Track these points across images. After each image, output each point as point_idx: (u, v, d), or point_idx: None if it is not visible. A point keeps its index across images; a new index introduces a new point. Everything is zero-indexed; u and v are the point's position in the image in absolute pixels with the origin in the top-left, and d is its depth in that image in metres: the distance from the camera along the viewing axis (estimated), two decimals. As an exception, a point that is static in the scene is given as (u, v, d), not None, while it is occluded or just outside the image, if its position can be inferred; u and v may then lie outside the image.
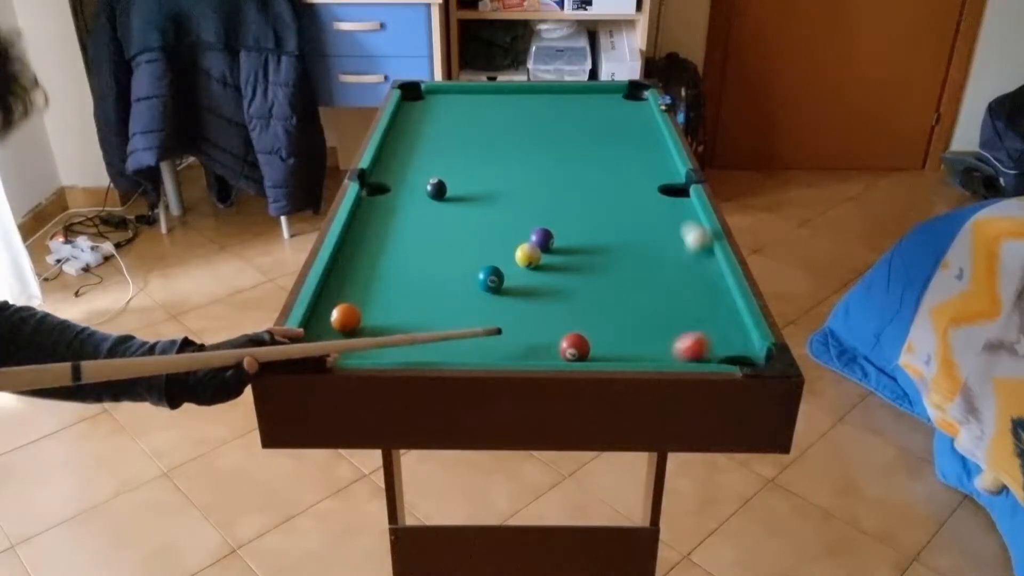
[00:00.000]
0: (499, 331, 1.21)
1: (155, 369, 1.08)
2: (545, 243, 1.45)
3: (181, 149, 3.37)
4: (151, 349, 1.12)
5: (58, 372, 0.95)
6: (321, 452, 2.34)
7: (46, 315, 1.13)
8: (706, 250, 1.44)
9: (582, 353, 1.16)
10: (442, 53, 3.27)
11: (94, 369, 0.99)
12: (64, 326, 1.12)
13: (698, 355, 1.15)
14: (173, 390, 1.13)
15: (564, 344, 1.16)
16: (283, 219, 3.51)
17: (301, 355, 1.11)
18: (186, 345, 1.12)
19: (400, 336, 1.18)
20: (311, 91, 3.29)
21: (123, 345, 1.12)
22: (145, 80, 3.14)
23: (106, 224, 3.60)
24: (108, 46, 3.17)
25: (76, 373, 0.95)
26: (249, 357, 1.07)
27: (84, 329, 1.13)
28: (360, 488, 2.24)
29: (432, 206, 1.65)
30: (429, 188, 1.66)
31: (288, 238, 3.53)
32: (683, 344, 1.16)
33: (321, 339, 1.20)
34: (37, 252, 3.31)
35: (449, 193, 1.68)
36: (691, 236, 1.45)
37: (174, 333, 2.89)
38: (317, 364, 1.11)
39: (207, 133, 3.31)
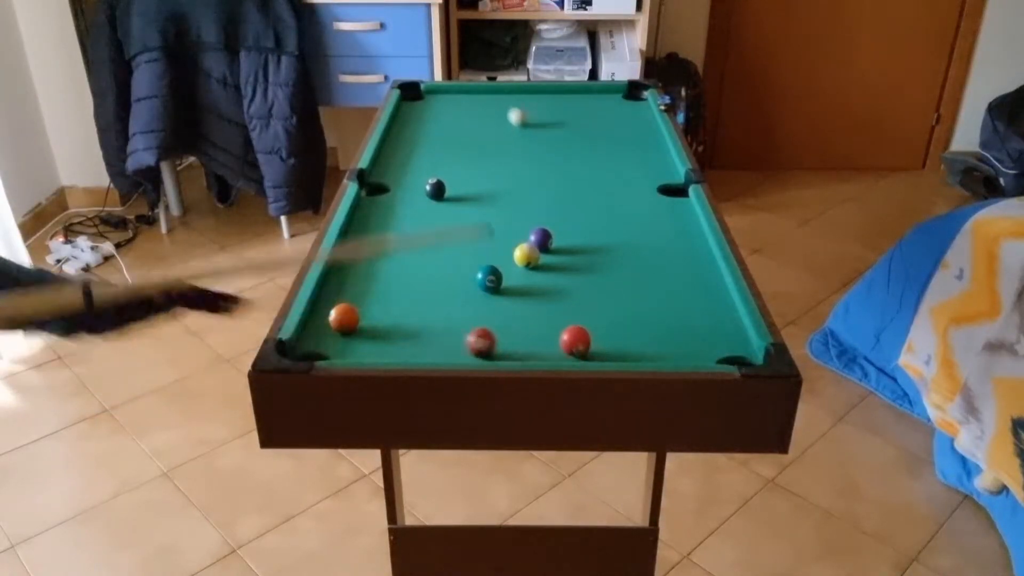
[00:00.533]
0: (490, 230, 1.24)
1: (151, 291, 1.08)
2: (544, 243, 1.45)
3: (181, 149, 3.37)
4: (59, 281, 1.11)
5: (72, 298, 0.95)
6: (321, 452, 2.34)
7: None
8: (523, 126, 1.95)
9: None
10: (442, 53, 3.27)
11: (103, 294, 1.00)
12: None
13: (576, 347, 1.17)
14: (75, 323, 1.10)
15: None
16: (283, 219, 3.51)
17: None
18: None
19: (381, 240, 1.21)
20: (311, 91, 3.28)
21: (42, 274, 1.11)
22: (145, 80, 3.14)
23: (106, 224, 3.60)
24: (108, 46, 3.17)
25: (89, 299, 0.95)
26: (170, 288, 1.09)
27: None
28: (360, 488, 2.24)
29: (431, 206, 1.65)
30: (428, 188, 1.66)
31: (288, 238, 3.53)
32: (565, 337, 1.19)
33: (320, 341, 1.21)
34: (37, 252, 3.31)
35: (448, 193, 1.67)
36: (514, 116, 1.93)
37: (174, 333, 2.90)
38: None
39: (207, 133, 3.31)
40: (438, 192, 1.66)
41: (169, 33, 3.11)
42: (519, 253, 1.41)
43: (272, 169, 3.29)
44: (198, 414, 2.52)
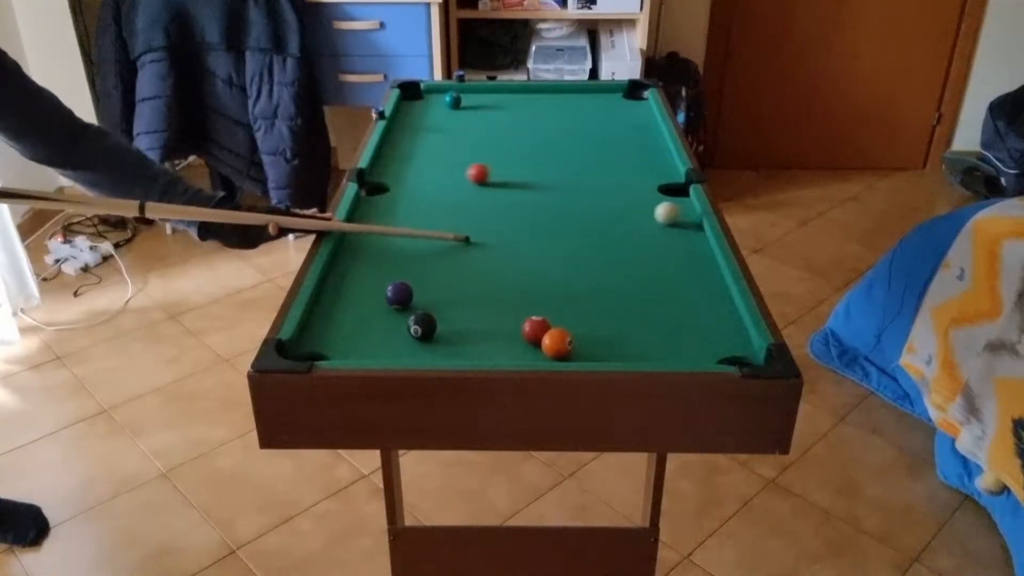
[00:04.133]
0: (467, 239, 1.47)
1: (201, 217, 1.41)
2: (405, 299, 1.30)
3: (185, 149, 3.37)
4: (195, 195, 1.43)
5: (128, 207, 1.35)
6: (320, 452, 2.33)
7: (116, 138, 1.52)
8: (684, 229, 1.56)
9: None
10: (442, 52, 3.27)
11: (155, 209, 1.37)
12: (128, 153, 1.50)
13: (538, 339, 1.19)
14: (204, 227, 1.44)
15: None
16: (285, 220, 3.50)
17: (312, 226, 1.46)
18: (223, 201, 1.43)
19: (374, 227, 1.49)
20: (316, 91, 3.28)
21: (173, 188, 1.44)
22: (149, 80, 3.13)
23: (105, 224, 3.60)
24: (113, 46, 3.16)
25: (142, 210, 1.34)
26: (273, 223, 1.41)
27: (143, 159, 1.50)
28: (359, 488, 2.24)
29: (431, 205, 1.65)
30: (413, 329, 1.24)
31: (293, 240, 3.52)
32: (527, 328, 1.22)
33: (320, 341, 1.20)
34: (36, 252, 3.31)
35: (447, 193, 1.67)
36: (661, 212, 1.56)
37: (173, 334, 2.90)
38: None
39: (212, 133, 3.30)
40: (427, 331, 1.24)
41: (173, 33, 3.11)
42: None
43: (276, 170, 3.29)
44: (197, 414, 2.52)
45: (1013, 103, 3.72)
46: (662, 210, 1.56)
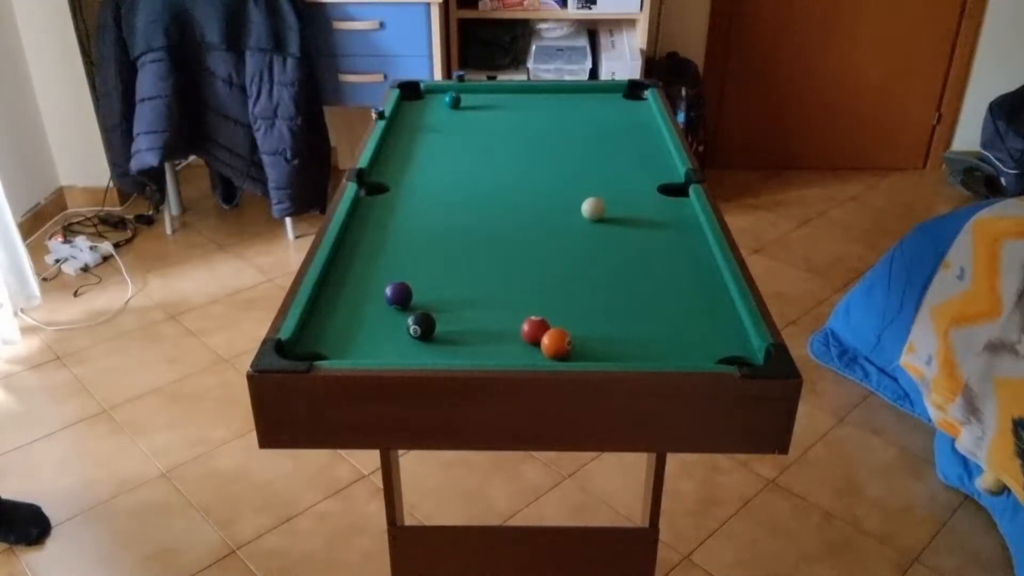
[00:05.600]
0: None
1: None
2: (405, 299, 1.31)
3: (185, 149, 3.36)
4: None
5: None
6: (320, 452, 2.33)
7: None
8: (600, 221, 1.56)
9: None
10: (442, 52, 3.27)
11: None
12: None
13: (537, 339, 1.19)
14: None
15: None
16: (288, 220, 3.50)
17: None
18: None
19: None
20: (315, 91, 3.28)
21: None
22: (149, 80, 3.14)
23: (105, 224, 3.60)
24: (114, 46, 3.16)
25: None
26: None
27: None
28: (359, 489, 2.24)
29: (430, 207, 1.65)
30: (413, 328, 1.24)
31: (293, 240, 3.53)
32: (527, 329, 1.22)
33: (320, 341, 1.20)
34: (36, 252, 3.31)
35: (447, 193, 1.67)
36: (587, 207, 1.57)
37: (173, 333, 2.90)
38: None
39: (212, 133, 3.30)
40: (427, 330, 1.25)
41: (173, 33, 3.11)
42: None
43: (276, 171, 3.29)
44: (197, 414, 2.52)
45: (1013, 103, 3.72)
46: (587, 205, 1.57)
